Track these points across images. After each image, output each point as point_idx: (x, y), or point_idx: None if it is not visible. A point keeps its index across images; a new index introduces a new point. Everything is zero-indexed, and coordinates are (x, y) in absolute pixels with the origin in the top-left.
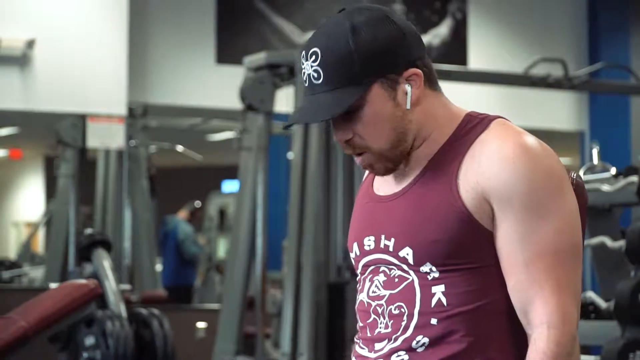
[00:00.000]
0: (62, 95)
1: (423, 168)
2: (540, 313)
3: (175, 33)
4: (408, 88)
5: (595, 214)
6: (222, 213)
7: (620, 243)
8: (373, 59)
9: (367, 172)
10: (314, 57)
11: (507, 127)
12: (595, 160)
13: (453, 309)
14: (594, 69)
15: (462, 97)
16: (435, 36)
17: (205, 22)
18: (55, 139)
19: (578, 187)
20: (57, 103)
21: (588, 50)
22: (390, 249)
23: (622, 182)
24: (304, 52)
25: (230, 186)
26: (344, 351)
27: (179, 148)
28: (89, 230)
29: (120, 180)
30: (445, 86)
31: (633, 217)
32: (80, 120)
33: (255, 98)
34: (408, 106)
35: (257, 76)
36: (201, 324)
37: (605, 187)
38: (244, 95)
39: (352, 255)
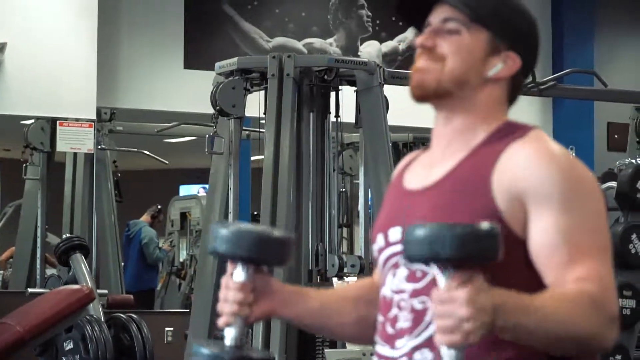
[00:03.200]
0: (32, 100)
1: (456, 164)
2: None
3: (144, 39)
4: (500, 64)
5: None
6: (183, 216)
7: None
8: (504, 16)
9: (397, 167)
10: None
11: (543, 137)
12: None
13: None
14: (562, 75)
15: None
16: (401, 41)
17: (174, 27)
18: (22, 142)
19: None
20: (27, 107)
21: (552, 56)
22: None
23: (601, 187)
24: None
25: (189, 189)
26: (315, 354)
27: (145, 152)
28: (67, 235)
29: (88, 183)
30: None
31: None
32: (48, 124)
33: (226, 103)
34: (489, 74)
35: (228, 81)
36: (169, 328)
37: None
38: (215, 100)
39: (375, 246)
